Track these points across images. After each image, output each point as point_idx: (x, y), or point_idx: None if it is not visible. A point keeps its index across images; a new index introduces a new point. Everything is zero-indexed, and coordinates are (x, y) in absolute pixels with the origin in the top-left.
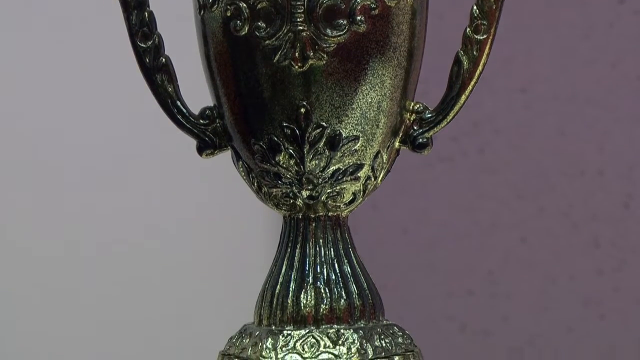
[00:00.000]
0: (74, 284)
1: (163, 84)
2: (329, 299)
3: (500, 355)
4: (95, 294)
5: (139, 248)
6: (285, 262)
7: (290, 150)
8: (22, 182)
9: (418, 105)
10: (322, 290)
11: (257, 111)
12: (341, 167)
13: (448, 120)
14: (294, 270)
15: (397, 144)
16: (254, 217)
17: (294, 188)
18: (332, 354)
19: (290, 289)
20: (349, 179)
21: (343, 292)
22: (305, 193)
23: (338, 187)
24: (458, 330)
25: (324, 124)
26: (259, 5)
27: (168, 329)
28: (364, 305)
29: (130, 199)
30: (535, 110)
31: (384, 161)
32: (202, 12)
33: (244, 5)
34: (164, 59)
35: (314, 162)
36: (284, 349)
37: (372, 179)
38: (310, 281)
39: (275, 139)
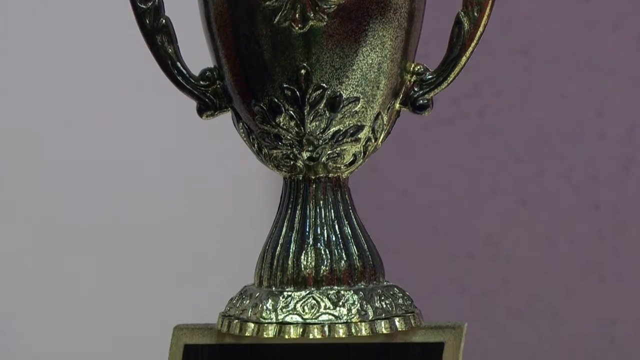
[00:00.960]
0: (74, 242)
1: (163, 45)
2: (329, 261)
3: (500, 317)
4: (94, 256)
5: (138, 211)
6: (285, 224)
7: (291, 112)
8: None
9: (418, 67)
10: (323, 252)
11: (258, 72)
12: (341, 128)
13: (448, 82)
14: (294, 231)
15: (397, 106)
16: (254, 179)
17: (294, 149)
18: (333, 315)
19: (291, 250)
20: (349, 140)
21: (343, 254)
22: (305, 154)
23: (338, 149)
24: (458, 292)
25: (324, 85)
26: None
27: (168, 290)
28: (364, 267)
29: (130, 161)
30: (535, 73)
31: (385, 123)
32: None
33: None
34: (164, 20)
35: (314, 124)
36: (284, 310)
37: (373, 141)
38: (311, 243)
39: (276, 100)
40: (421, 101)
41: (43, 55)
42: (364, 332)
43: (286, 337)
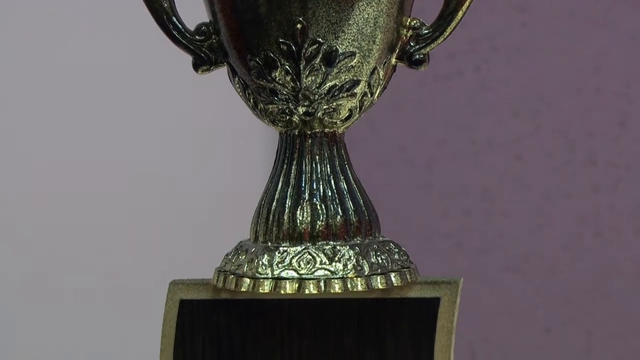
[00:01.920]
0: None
1: None
2: (325, 216)
3: (496, 273)
4: (92, 211)
5: (135, 166)
6: (281, 179)
7: (287, 67)
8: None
9: (415, 22)
10: (318, 207)
11: (253, 27)
12: (337, 83)
13: (445, 37)
14: (290, 187)
15: (393, 60)
16: (250, 134)
17: (290, 104)
18: (329, 270)
19: (286, 205)
20: (345, 95)
21: (339, 209)
22: (301, 109)
23: (334, 104)
24: (454, 248)
25: (320, 40)
26: None
27: (164, 246)
28: (360, 222)
29: (127, 119)
30: (532, 28)
31: (381, 77)
32: None
33: None
34: None
35: (310, 79)
36: (280, 265)
37: (369, 95)
38: (307, 198)
39: (272, 55)
40: (417, 56)
41: (39, 21)
42: (359, 288)
43: (282, 292)
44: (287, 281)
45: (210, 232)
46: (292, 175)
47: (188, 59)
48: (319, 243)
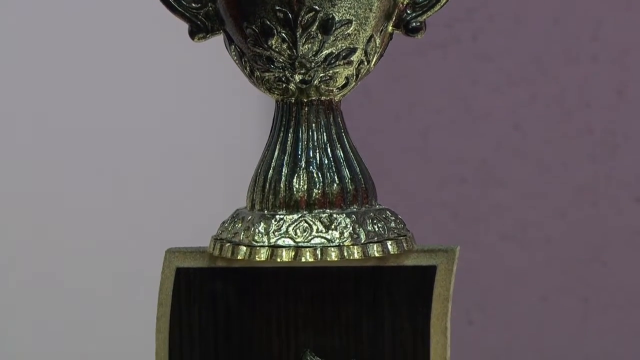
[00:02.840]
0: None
1: None
2: (321, 184)
3: (492, 242)
4: (85, 173)
5: (131, 134)
6: (277, 147)
7: (283, 34)
8: None
9: None
10: (315, 175)
11: None
12: (334, 51)
13: (441, 4)
14: (287, 154)
15: (390, 28)
16: (247, 102)
17: (287, 72)
18: (325, 238)
19: (283, 173)
20: (341, 63)
21: (336, 177)
22: (297, 77)
23: (331, 71)
24: (450, 217)
25: (316, 7)
26: None
27: (161, 214)
28: (356, 190)
29: (123, 85)
30: None
31: (377, 45)
32: None
33: None
34: None
35: (306, 46)
36: (276, 233)
37: (365, 63)
38: (303, 166)
39: (268, 22)
40: (414, 24)
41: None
42: (356, 256)
43: (278, 260)
44: (284, 249)
45: (207, 200)
46: (289, 143)
47: (184, 26)
48: (316, 211)
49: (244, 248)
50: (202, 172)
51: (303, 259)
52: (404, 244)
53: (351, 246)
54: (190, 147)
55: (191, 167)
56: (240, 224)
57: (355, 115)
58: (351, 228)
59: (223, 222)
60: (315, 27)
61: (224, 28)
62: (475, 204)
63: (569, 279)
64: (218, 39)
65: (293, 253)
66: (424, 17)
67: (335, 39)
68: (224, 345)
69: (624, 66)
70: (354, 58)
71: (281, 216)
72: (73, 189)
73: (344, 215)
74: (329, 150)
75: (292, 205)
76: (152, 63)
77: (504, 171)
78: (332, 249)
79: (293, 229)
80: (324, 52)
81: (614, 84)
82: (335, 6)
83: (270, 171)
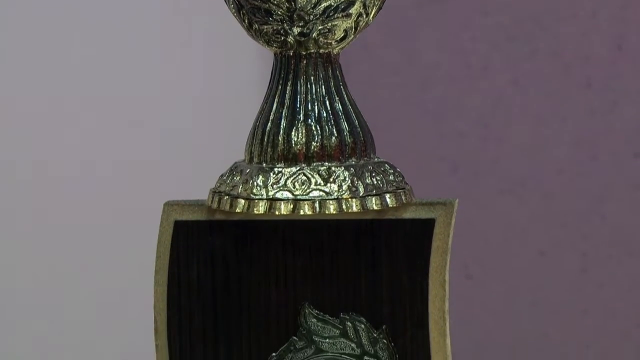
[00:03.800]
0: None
1: None
2: (320, 137)
3: (491, 196)
4: (85, 130)
5: (129, 85)
6: (276, 100)
7: None
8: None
9: None
10: (313, 128)
11: None
12: (332, 3)
13: None
14: (285, 107)
15: None
16: (245, 55)
17: (285, 25)
18: (323, 191)
19: (281, 126)
20: (340, 15)
21: (334, 130)
22: (296, 30)
23: (329, 24)
24: (449, 171)
25: None
26: None
27: (159, 167)
28: (355, 143)
29: (122, 37)
30: None
31: None
32: None
33: None
34: None
35: None
36: (274, 186)
37: (364, 16)
38: (301, 118)
39: None
40: None
41: None
42: (354, 209)
43: (276, 213)
44: (282, 202)
45: (205, 153)
46: (287, 96)
47: None
48: (314, 164)
49: (242, 201)
50: (201, 125)
51: (301, 212)
52: (403, 197)
53: (350, 199)
54: (188, 100)
55: (190, 120)
56: (238, 177)
57: (353, 69)
58: (349, 181)
59: (221, 175)
60: None
61: None
62: (474, 159)
63: (567, 233)
64: None
65: (291, 206)
66: None
67: None
68: (222, 297)
69: (623, 20)
70: (353, 10)
71: (279, 169)
72: (71, 131)
73: (343, 168)
74: (327, 103)
75: (290, 158)
76: (151, 17)
77: (502, 126)
78: (331, 201)
79: (291, 181)
80: (322, 5)
81: (613, 39)
82: None
83: (269, 124)
